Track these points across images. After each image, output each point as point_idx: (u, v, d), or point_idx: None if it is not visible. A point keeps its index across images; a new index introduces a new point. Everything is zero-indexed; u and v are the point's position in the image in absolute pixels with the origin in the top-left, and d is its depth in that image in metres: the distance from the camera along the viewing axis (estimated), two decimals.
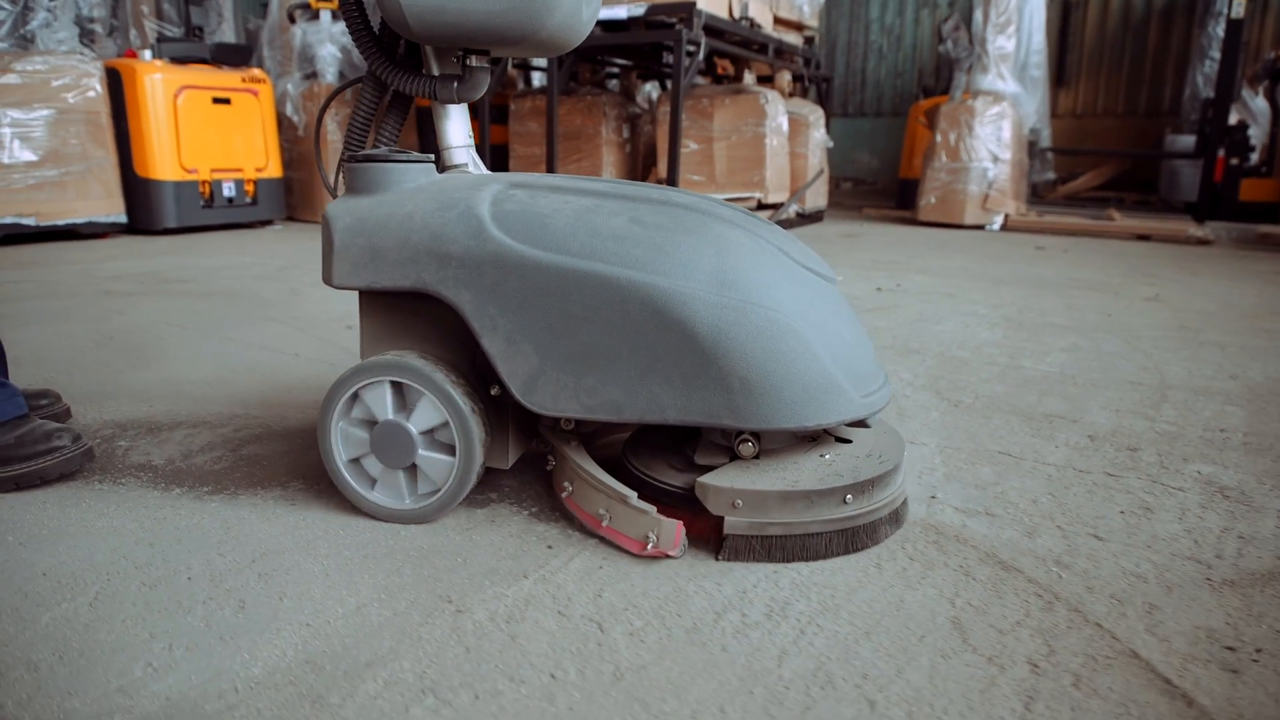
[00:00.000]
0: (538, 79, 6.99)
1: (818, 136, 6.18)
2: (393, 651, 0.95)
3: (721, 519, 1.13)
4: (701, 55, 4.53)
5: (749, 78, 5.89)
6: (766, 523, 1.12)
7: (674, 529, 1.12)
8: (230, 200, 5.14)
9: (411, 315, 1.29)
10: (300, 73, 5.69)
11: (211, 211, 5.06)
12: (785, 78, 6.41)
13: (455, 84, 1.32)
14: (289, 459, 1.50)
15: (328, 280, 1.25)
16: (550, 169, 4.86)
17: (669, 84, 6.11)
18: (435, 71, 1.35)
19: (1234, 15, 6.73)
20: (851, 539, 1.15)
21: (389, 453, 1.23)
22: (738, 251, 1.13)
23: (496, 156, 6.15)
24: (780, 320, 1.09)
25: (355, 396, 1.25)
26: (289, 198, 5.77)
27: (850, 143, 10.90)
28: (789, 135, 5.82)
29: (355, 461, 1.27)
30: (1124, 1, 9.51)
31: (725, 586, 1.09)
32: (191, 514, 1.28)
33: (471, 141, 1.40)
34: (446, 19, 1.22)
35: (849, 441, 1.25)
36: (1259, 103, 7.26)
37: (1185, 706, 0.87)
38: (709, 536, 1.18)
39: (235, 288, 3.20)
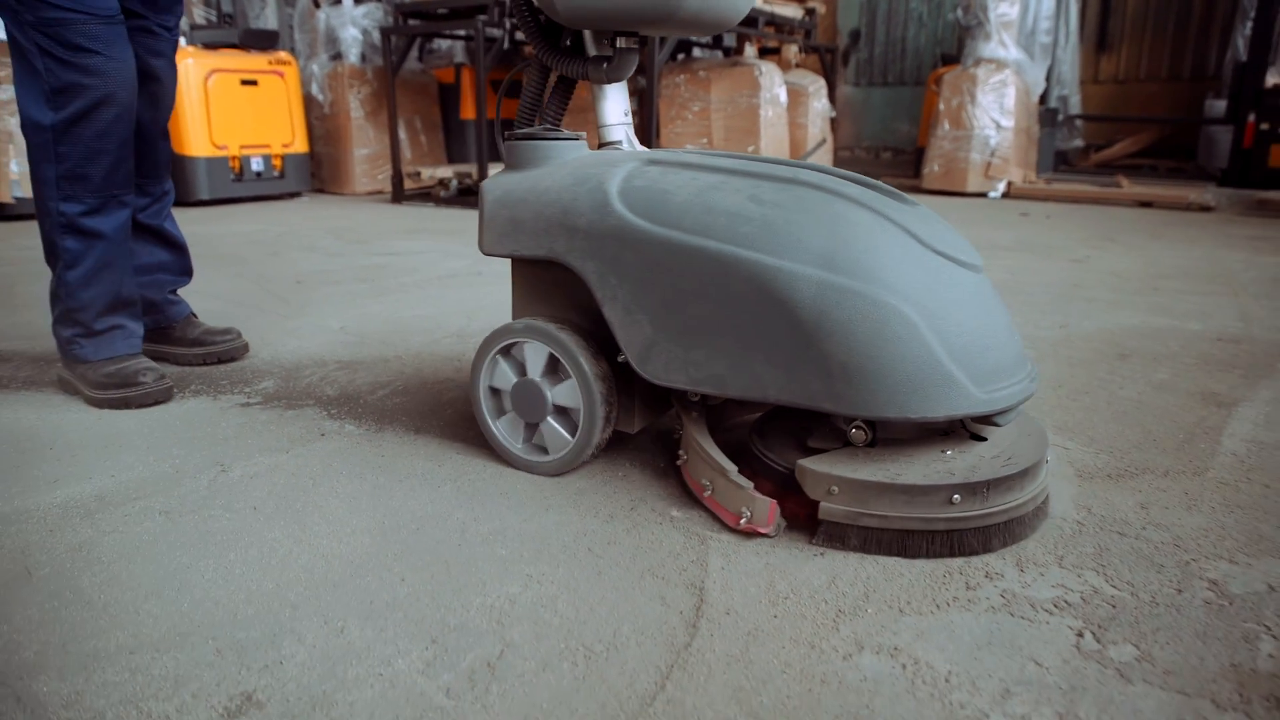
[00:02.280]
0: None
1: (818, 107, 6.33)
2: (155, 492, 1.27)
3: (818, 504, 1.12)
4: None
5: (749, 50, 6.07)
6: (862, 513, 1.09)
7: (768, 507, 1.12)
8: (259, 174, 5.57)
9: (553, 283, 1.36)
10: (326, 54, 6.10)
11: (241, 185, 5.50)
12: (791, 50, 6.56)
13: (605, 65, 1.37)
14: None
15: (480, 247, 1.35)
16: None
17: (679, 57, 6.32)
18: (591, 54, 1.41)
19: None
20: (956, 542, 1.09)
21: (525, 407, 1.34)
22: (854, 232, 1.10)
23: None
24: (888, 305, 1.05)
25: (510, 347, 1.36)
26: (318, 171, 6.19)
27: (891, 112, 10.86)
28: (789, 106, 5.98)
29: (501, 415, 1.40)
30: None
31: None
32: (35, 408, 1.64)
33: (628, 120, 1.44)
34: (590, 1, 1.27)
35: (983, 439, 1.18)
36: None
37: None
38: (812, 520, 1.15)
39: (226, 250, 3.59)
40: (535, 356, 1.31)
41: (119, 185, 1.65)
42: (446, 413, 1.63)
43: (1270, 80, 6.83)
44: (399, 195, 5.58)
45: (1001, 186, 6.14)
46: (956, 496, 1.07)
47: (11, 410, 1.65)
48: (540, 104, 1.45)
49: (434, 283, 2.91)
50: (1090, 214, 5.16)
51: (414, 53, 6.37)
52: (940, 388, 1.06)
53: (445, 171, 5.50)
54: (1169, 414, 1.65)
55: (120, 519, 1.20)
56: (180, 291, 2.01)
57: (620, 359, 1.26)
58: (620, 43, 1.37)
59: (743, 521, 1.14)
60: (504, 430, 1.39)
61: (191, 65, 5.16)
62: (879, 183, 1.21)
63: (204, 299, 2.61)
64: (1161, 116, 9.15)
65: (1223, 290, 2.86)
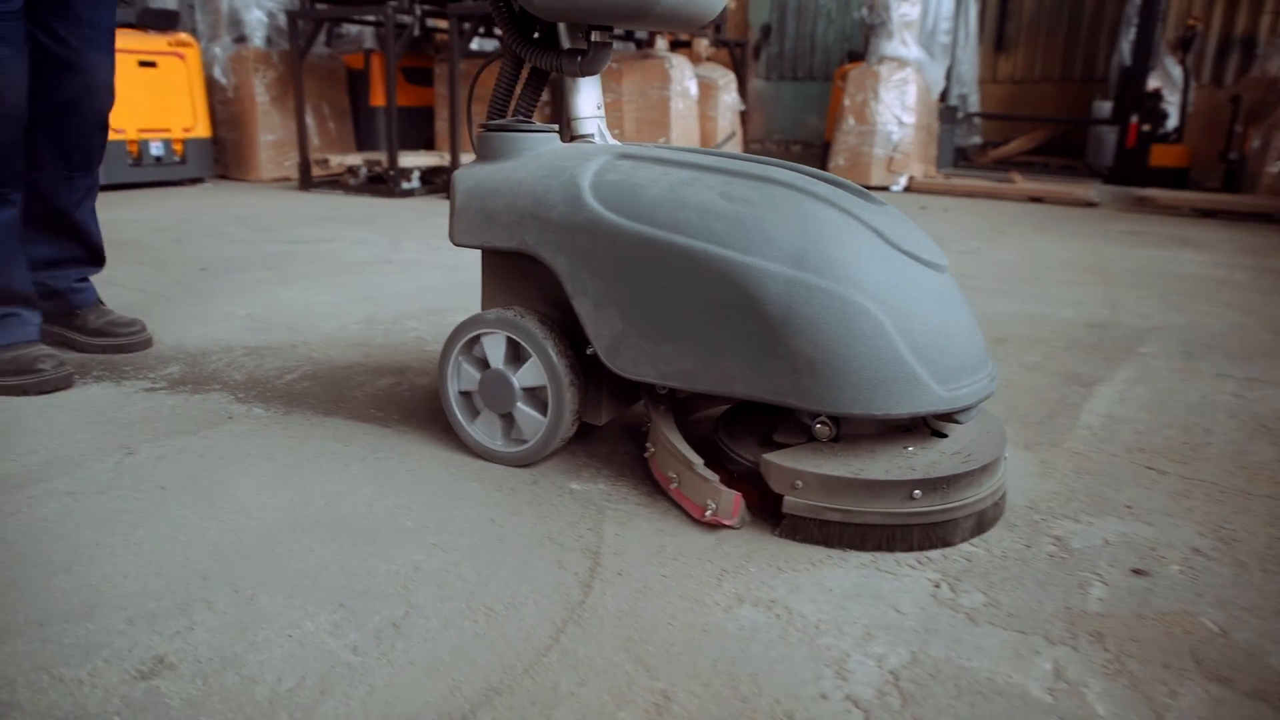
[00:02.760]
0: (474, 44, 7.23)
1: (728, 100, 6.46)
2: (59, 474, 1.28)
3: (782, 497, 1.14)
4: None
5: (661, 43, 6.15)
6: (825, 507, 1.11)
7: (732, 499, 1.14)
8: (158, 159, 5.41)
9: (523, 275, 1.36)
10: (229, 36, 5.95)
11: (140, 170, 5.33)
12: (702, 43, 6.67)
13: (579, 59, 1.37)
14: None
15: (451, 238, 1.36)
16: (454, 132, 5.14)
17: None
18: (566, 47, 1.39)
19: None
20: (918, 536, 1.12)
21: (494, 399, 1.35)
22: (823, 231, 1.11)
23: (417, 118, 6.42)
24: (855, 303, 1.07)
25: (473, 341, 1.36)
26: (221, 156, 6.04)
27: (800, 106, 11.11)
28: (700, 99, 6.09)
29: (465, 396, 1.40)
30: None
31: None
32: None
33: (600, 113, 1.45)
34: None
35: (944, 435, 1.21)
36: (1179, 71, 7.52)
37: None
38: (776, 513, 1.17)
39: (127, 237, 3.51)
40: (496, 348, 1.32)
41: (5, 183, 1.63)
42: (355, 396, 1.67)
43: (1151, 84, 7.24)
44: (306, 183, 5.49)
45: (903, 180, 6.37)
46: (918, 492, 1.10)
47: None
48: (512, 95, 1.46)
49: (343, 270, 2.91)
50: (985, 208, 5.41)
51: (322, 37, 6.26)
52: (905, 385, 1.07)
53: (354, 159, 5.44)
54: (1036, 393, 1.79)
55: (24, 501, 1.21)
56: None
57: (589, 351, 1.27)
58: (595, 36, 1.38)
59: (708, 514, 1.15)
60: (470, 417, 1.40)
61: None
62: (847, 182, 1.23)
63: (106, 286, 2.56)
64: (1054, 116, 9.59)
65: (1097, 280, 3.07)
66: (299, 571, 1.04)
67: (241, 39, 5.89)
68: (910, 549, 1.12)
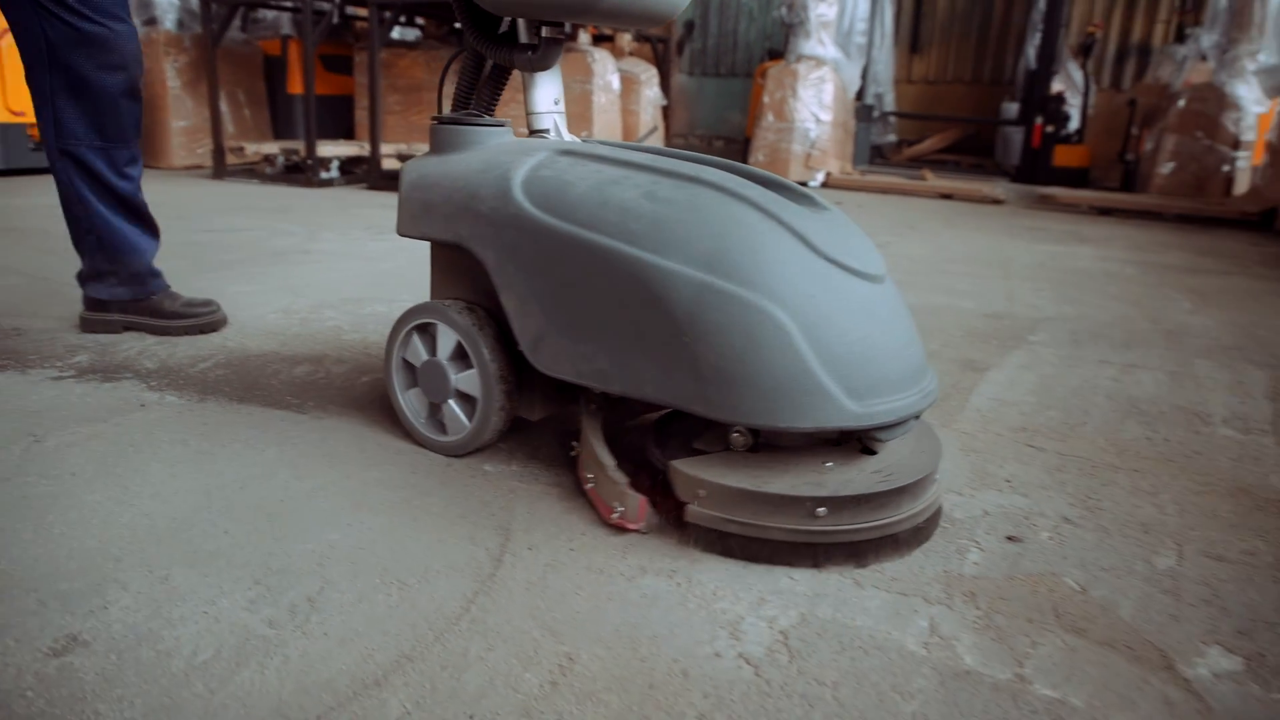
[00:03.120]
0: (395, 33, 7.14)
1: (650, 95, 6.52)
2: None
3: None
4: None
5: (583, 37, 6.18)
6: (725, 519, 1.08)
7: (638, 503, 1.12)
8: None
9: (464, 269, 1.35)
10: (139, 18, 5.77)
11: (41, 154, 5.11)
12: (624, 38, 6.72)
13: (530, 54, 1.38)
14: None
15: (398, 229, 1.37)
16: (374, 121, 5.09)
17: None
18: (521, 42, 1.40)
19: None
20: (822, 555, 1.08)
21: (431, 387, 1.37)
22: (741, 235, 1.09)
23: (336, 107, 6.32)
24: (762, 311, 1.04)
25: (413, 331, 1.39)
26: None
27: (723, 102, 11.25)
28: (622, 93, 6.15)
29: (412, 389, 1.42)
30: None
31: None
32: None
33: (557, 108, 1.45)
34: None
35: (874, 452, 1.17)
36: (1080, 75, 7.85)
37: None
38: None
39: (32, 224, 3.40)
40: (445, 339, 1.33)
41: (129, 138, 1.83)
42: (271, 384, 1.67)
43: (1055, 88, 7.56)
44: (221, 171, 5.37)
45: (821, 177, 6.53)
46: (822, 510, 1.05)
47: None
48: (474, 90, 1.47)
49: (260, 260, 2.88)
50: (898, 204, 5.59)
51: (237, 22, 6.11)
52: (810, 398, 1.04)
53: (271, 147, 5.34)
54: None
55: None
56: None
57: (520, 346, 1.27)
58: (546, 32, 1.38)
59: (614, 516, 1.14)
60: (410, 404, 1.42)
61: None
62: (791, 184, 1.21)
63: (9, 275, 2.50)
64: (965, 116, 9.92)
65: (997, 274, 3.22)
66: (214, 552, 1.06)
67: (151, 21, 5.72)
68: (814, 567, 1.08)
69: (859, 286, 1.11)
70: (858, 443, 1.18)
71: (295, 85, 6.30)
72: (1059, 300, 2.78)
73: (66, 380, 1.65)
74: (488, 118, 1.39)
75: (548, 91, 1.44)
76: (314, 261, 2.89)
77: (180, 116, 5.79)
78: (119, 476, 1.25)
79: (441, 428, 1.39)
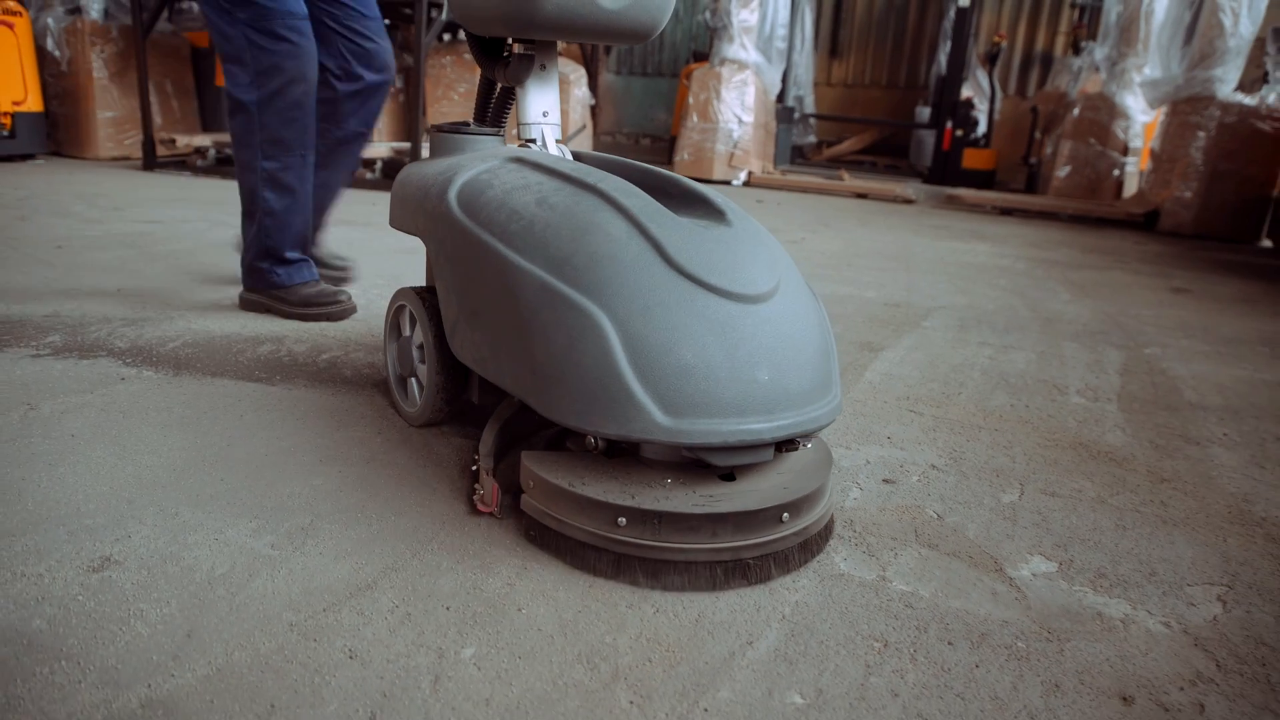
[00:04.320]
0: None
1: (579, 94, 6.71)
2: None
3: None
4: (444, 17, 4.95)
5: None
6: (546, 513, 1.12)
7: (491, 489, 1.19)
8: None
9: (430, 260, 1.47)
10: (63, 7, 5.73)
11: (10, 143, 5.10)
12: None
13: (503, 68, 1.50)
14: None
15: (389, 222, 1.53)
16: None
17: (445, 38, 6.47)
18: (504, 58, 1.51)
19: (961, 4, 7.64)
20: (625, 568, 1.07)
21: (403, 362, 1.56)
22: (593, 241, 1.12)
23: None
24: (587, 314, 1.07)
25: (398, 311, 1.56)
26: (55, 133, 5.81)
27: (650, 101, 11.52)
28: None
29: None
30: None
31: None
32: None
33: (547, 120, 1.53)
34: (465, 11, 1.43)
35: (731, 479, 1.15)
36: (988, 82, 8.29)
37: None
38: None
39: None
40: (420, 319, 1.46)
41: (302, 151, 2.04)
42: (239, 360, 1.83)
43: (964, 94, 7.98)
44: (151, 162, 5.38)
45: (743, 175, 6.81)
46: (622, 519, 1.05)
47: None
48: (488, 103, 1.59)
49: (207, 249, 2.99)
50: (816, 203, 5.89)
51: (164, 12, 6.09)
52: (620, 406, 1.04)
53: (203, 140, 5.38)
54: None
55: None
56: None
57: None
58: (518, 48, 1.49)
59: (475, 498, 1.23)
60: (392, 373, 1.61)
61: None
62: (704, 196, 1.28)
63: None
64: (881, 119, 10.35)
65: (900, 267, 3.52)
66: (213, 495, 1.24)
67: (76, 10, 5.68)
68: (618, 579, 1.07)
69: (714, 305, 1.08)
70: (715, 467, 1.13)
71: (224, 77, 6.31)
72: (953, 291, 3.08)
73: (45, 358, 1.78)
74: (475, 126, 1.52)
75: (536, 104, 1.53)
76: None
77: (107, 107, 5.76)
78: (115, 437, 1.41)
79: (407, 399, 1.57)
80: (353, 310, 2.23)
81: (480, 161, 1.38)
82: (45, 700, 0.82)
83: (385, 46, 2.16)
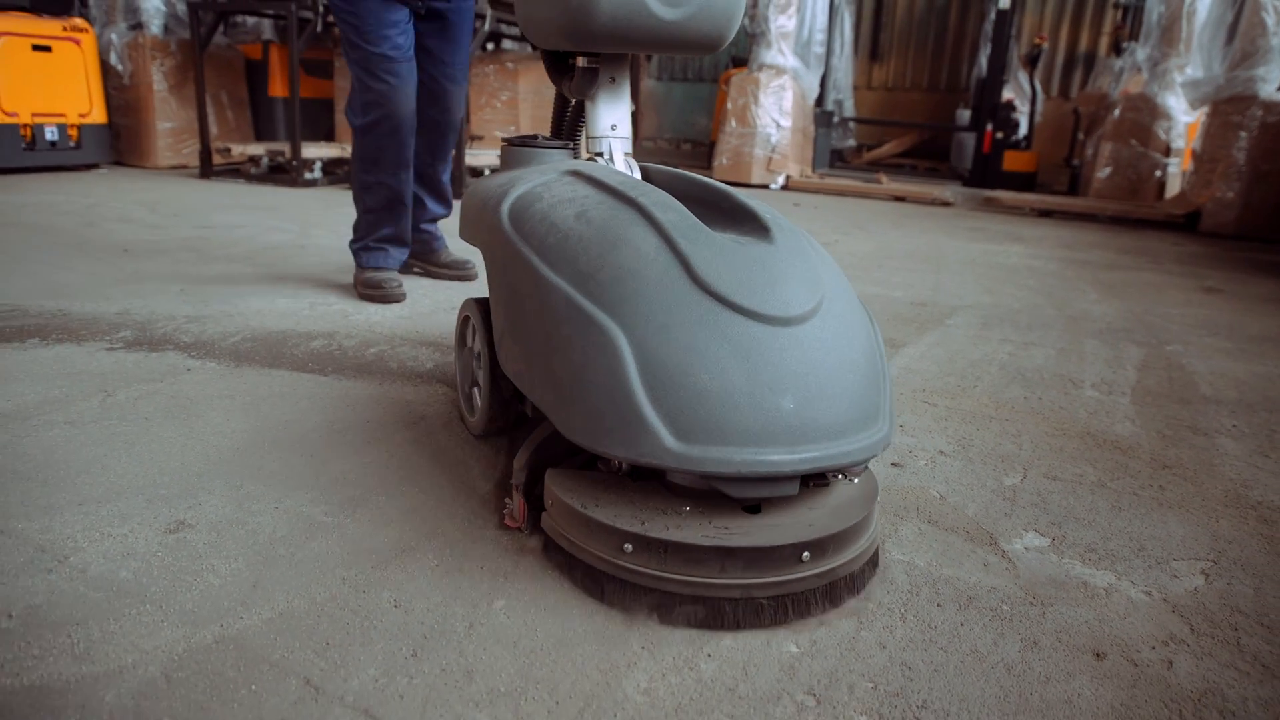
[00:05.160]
0: None
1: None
2: (53, 410, 1.56)
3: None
4: (487, 27, 5.11)
5: None
6: (560, 534, 1.10)
7: (520, 506, 1.18)
8: (53, 144, 5.45)
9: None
10: (125, 23, 6.00)
11: (34, 154, 5.36)
12: None
13: (569, 82, 1.52)
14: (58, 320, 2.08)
15: (459, 234, 1.54)
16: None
17: (488, 47, 6.64)
18: (571, 72, 1.52)
19: (1001, 6, 7.64)
20: (629, 598, 1.03)
21: (465, 371, 1.58)
22: (619, 257, 1.09)
23: (316, 110, 6.57)
24: (604, 331, 1.03)
25: (464, 320, 1.57)
26: (117, 143, 6.08)
27: (691, 106, 11.62)
28: None
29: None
30: None
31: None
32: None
33: (614, 133, 1.53)
34: (530, 25, 1.46)
35: (756, 511, 1.08)
36: (1029, 83, 8.27)
37: None
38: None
39: (37, 220, 3.64)
40: (477, 331, 1.48)
41: (391, 172, 2.43)
42: (294, 354, 1.97)
43: (1005, 96, 7.97)
44: (207, 171, 5.61)
45: (781, 179, 6.89)
46: (628, 546, 1.02)
47: None
48: (562, 117, 1.64)
49: (261, 253, 3.16)
50: (853, 206, 5.95)
51: (219, 26, 6.34)
52: (629, 427, 1.00)
53: (257, 149, 5.59)
54: None
55: (31, 429, 1.48)
56: None
57: None
58: (581, 61, 1.49)
59: (504, 512, 1.23)
60: (461, 382, 1.61)
61: None
62: (756, 211, 1.22)
63: (33, 264, 2.76)
64: (921, 122, 10.34)
65: (931, 268, 3.58)
66: (274, 470, 1.37)
67: (138, 26, 5.95)
68: (623, 609, 1.03)
69: (738, 325, 1.02)
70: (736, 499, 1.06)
71: (276, 88, 6.55)
72: (980, 291, 3.14)
73: (118, 351, 1.93)
74: (543, 139, 1.54)
75: (605, 117, 1.53)
76: (311, 255, 3.18)
77: (165, 118, 6.02)
78: (184, 420, 1.55)
79: (470, 408, 1.57)
80: (400, 297, 2.52)
81: (539, 175, 1.37)
82: (135, 635, 0.94)
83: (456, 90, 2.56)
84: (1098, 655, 1.00)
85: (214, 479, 1.33)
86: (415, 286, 2.69)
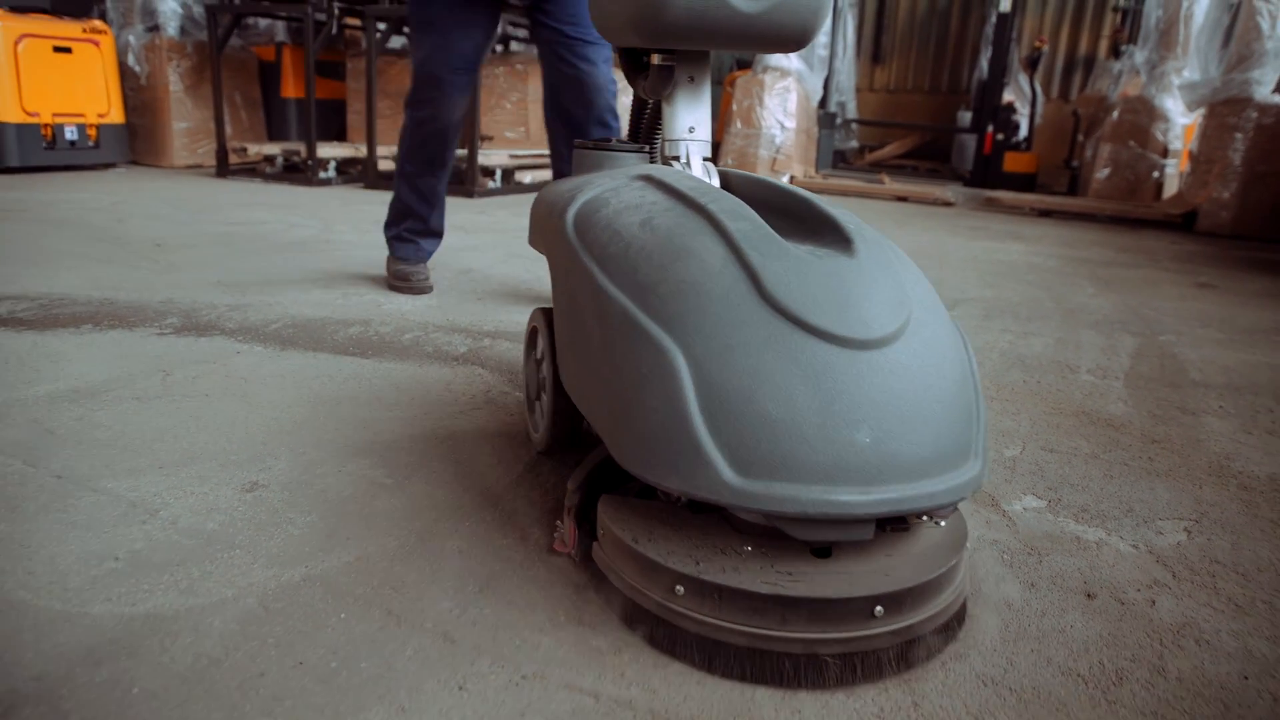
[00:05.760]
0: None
1: (627, 101, 6.96)
2: (120, 387, 1.68)
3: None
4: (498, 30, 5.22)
5: None
6: (610, 568, 1.02)
7: (569, 531, 1.12)
8: (73, 143, 5.56)
9: None
10: (143, 25, 6.12)
11: (54, 153, 5.48)
12: None
13: (644, 81, 1.44)
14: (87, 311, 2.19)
15: (528, 241, 1.48)
16: (370, 125, 5.47)
17: (498, 49, 6.76)
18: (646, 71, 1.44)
19: (1002, 10, 7.76)
20: (672, 640, 0.95)
21: (532, 381, 1.51)
22: (681, 269, 0.99)
23: (328, 111, 6.69)
24: (662, 350, 0.94)
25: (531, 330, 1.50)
26: (133, 142, 6.20)
27: None
28: None
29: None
30: None
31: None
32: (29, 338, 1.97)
33: (692, 136, 1.43)
34: (602, 19, 1.40)
35: (826, 555, 0.98)
36: (1029, 85, 8.40)
37: None
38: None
39: (67, 216, 3.76)
40: (542, 342, 1.42)
41: (429, 167, 2.52)
42: (334, 339, 2.09)
43: (1006, 98, 8.09)
44: (224, 170, 5.73)
45: (786, 179, 7.00)
46: (680, 588, 0.94)
47: None
48: (640, 119, 1.57)
49: (289, 247, 3.28)
50: (856, 206, 6.07)
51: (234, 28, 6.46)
52: (682, 456, 0.91)
53: (272, 149, 5.71)
54: None
55: (102, 403, 1.60)
56: None
57: None
58: (656, 58, 1.41)
59: (555, 535, 1.17)
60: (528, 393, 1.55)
61: (0, 30, 5.12)
62: (838, 220, 1.08)
63: (74, 259, 2.88)
64: (923, 124, 10.47)
65: (932, 265, 3.69)
66: (333, 440, 1.48)
67: (155, 28, 6.07)
68: (669, 654, 0.95)
69: (810, 348, 0.92)
70: (805, 543, 0.97)
71: (289, 89, 6.68)
72: (981, 285, 3.26)
73: (168, 336, 2.05)
74: (618, 142, 1.48)
75: (683, 119, 1.43)
76: (337, 249, 3.30)
77: (181, 118, 6.14)
78: (243, 396, 1.67)
79: (534, 423, 1.52)
80: (427, 289, 2.63)
81: (609, 179, 1.29)
82: (231, 574, 1.06)
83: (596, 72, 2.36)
84: (1089, 595, 1.11)
85: (279, 447, 1.44)
86: (443, 277, 2.81)
